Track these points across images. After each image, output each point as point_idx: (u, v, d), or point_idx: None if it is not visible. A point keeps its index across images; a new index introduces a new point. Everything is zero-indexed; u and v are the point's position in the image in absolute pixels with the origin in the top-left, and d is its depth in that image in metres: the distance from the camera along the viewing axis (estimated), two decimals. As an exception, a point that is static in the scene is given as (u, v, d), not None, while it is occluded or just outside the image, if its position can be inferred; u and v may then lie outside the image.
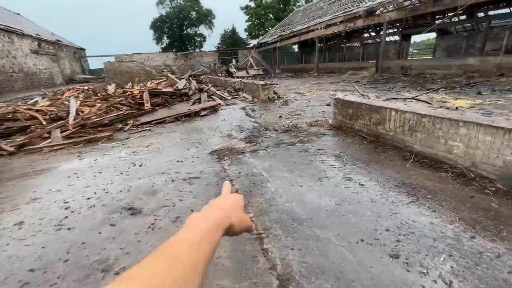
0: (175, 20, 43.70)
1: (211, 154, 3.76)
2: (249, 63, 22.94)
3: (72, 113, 5.13)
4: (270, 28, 36.44)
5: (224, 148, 4.00)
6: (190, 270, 0.33)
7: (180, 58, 24.13)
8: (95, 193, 2.74)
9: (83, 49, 23.44)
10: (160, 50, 42.62)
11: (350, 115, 4.24)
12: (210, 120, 6.17)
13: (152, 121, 5.85)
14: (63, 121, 5.01)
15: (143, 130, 5.42)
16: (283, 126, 5.29)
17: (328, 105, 6.98)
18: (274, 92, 8.61)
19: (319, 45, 25.87)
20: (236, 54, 30.15)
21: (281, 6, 41.54)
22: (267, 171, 3.05)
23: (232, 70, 17.78)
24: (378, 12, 10.91)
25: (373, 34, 23.04)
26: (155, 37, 45.03)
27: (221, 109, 7.46)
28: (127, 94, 6.57)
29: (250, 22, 43.96)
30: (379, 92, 8.23)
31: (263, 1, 42.46)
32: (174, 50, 25.78)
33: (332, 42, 25.15)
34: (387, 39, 23.71)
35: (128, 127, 5.56)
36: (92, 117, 5.31)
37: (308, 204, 2.29)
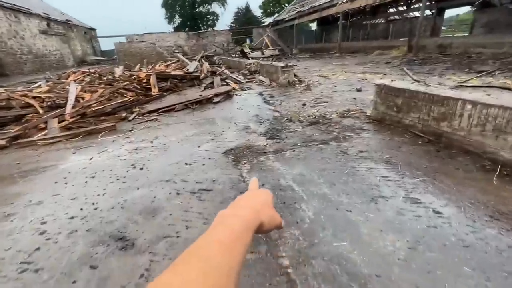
0: (187, -2, 41.83)
1: (226, 155, 3.09)
2: (264, 43, 21.60)
3: (71, 101, 4.56)
4: (286, 5, 34.10)
5: (242, 146, 3.31)
6: (224, 275, 0.30)
7: (192, 38, 23.07)
8: (81, 209, 2.17)
9: (93, 30, 22.80)
10: (172, 30, 41.40)
11: (398, 106, 3.39)
12: (224, 108, 5.45)
13: (160, 109, 5.22)
14: (61, 109, 4.47)
15: (149, 120, 4.80)
16: (309, 116, 4.51)
17: (359, 90, 6.06)
18: (295, 75, 7.69)
19: (342, 21, 23.85)
20: (250, 33, 28.58)
21: (299, -21, 38.52)
22: (299, 183, 2.35)
23: (247, 50, 16.69)
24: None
25: (401, 8, 20.83)
26: (166, 16, 43.60)
27: (236, 95, 6.70)
28: (133, 78, 5.93)
29: (265, -1, 41.36)
30: (418, 76, 7.12)
31: (279, -25, 39.51)
32: (186, 30, 24.66)
33: (354, 18, 23.07)
34: (416, 14, 21.40)
35: (133, 115, 4.96)
36: (93, 105, 4.74)
37: (367, 246, 1.59)
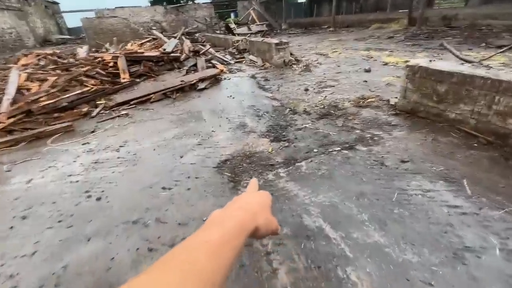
0: (163, -33, 37.91)
1: (219, 170, 2.26)
2: (251, 18, 19.91)
3: (9, 95, 3.48)
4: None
5: (240, 155, 2.47)
6: (207, 281, 0.27)
7: (171, 12, 20.87)
8: (-12, 291, 1.32)
9: (56, 3, 19.98)
10: (149, 5, 37.93)
11: (440, 95, 2.62)
12: (211, 97, 4.50)
13: (131, 100, 4.22)
14: (-4, 106, 3.39)
15: (118, 116, 3.82)
16: (317, 106, 3.70)
17: (368, 71, 5.24)
18: (291, 54, 6.72)
19: (331, -7, 22.18)
20: (235, 7, 26.41)
21: None
22: (334, 223, 1.59)
23: (232, 26, 15.18)
24: None
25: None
26: (141, -12, 39.63)
27: (225, 79, 5.72)
28: (97, 61, 4.78)
29: (249, -32, 38.13)
30: (429, 52, 6.34)
31: None
32: (164, 4, 22.29)
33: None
34: None
35: (97, 110, 3.96)
36: (42, 98, 3.68)
37: None
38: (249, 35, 14.84)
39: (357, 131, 2.77)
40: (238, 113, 3.60)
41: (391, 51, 6.81)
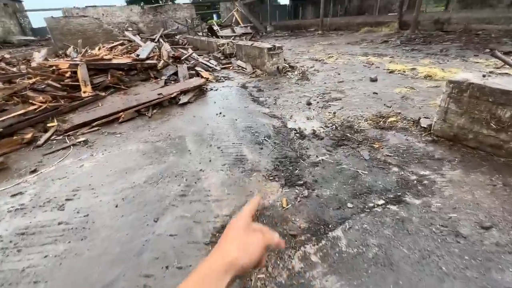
0: (140, -35, 36.22)
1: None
2: (234, 19, 19.16)
3: None
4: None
5: (243, 215, 1.70)
6: None
7: (148, 12, 19.62)
8: None
9: (18, 1, 17.97)
10: (125, 4, 36.09)
11: (502, 122, 2.00)
12: (196, 114, 3.69)
13: (94, 120, 3.31)
14: None
15: (74, 145, 2.91)
16: (328, 126, 3.02)
17: (374, 80, 4.66)
18: (284, 60, 6.04)
19: (314, -4, 21.90)
20: (217, 9, 25.51)
21: None
22: None
23: (215, 28, 14.35)
24: None
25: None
26: (117, -13, 37.67)
27: (211, 89, 4.92)
28: (49, 71, 3.79)
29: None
30: (432, 58, 5.90)
31: None
32: (141, 4, 20.93)
33: (329, -8, 21.36)
34: None
35: (46, 135, 3.03)
36: (-37, 124, 2.69)
37: None
38: (233, 37, 14.07)
39: (394, 169, 2.10)
40: (232, 139, 2.83)
41: (391, 57, 6.33)
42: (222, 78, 5.74)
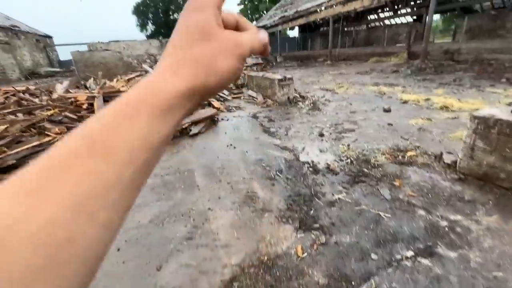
0: (160, 4, 39.76)
1: (222, 310, 1.30)
2: (246, 51, 20.11)
3: None
4: (265, 12, 33.21)
5: (253, 265, 1.55)
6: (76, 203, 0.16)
7: (166, 45, 21.02)
8: None
9: (49, 37, 19.80)
10: (145, 39, 39.02)
11: (539, 162, 1.82)
12: (206, 146, 3.65)
13: (106, 152, 3.27)
14: None
15: (83, 177, 2.88)
16: (342, 160, 2.88)
17: (388, 111, 4.57)
18: (294, 90, 6.10)
19: (324, 28, 23.08)
20: (230, 41, 26.95)
21: (277, -14, 38.03)
22: None
23: (228, 59, 15.01)
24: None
25: (385, 14, 20.45)
26: (138, 23, 41.10)
27: (222, 119, 4.95)
28: (67, 103, 3.94)
29: (242, 6, 40.29)
30: (446, 88, 5.81)
31: (256, -18, 38.76)
32: (159, 37, 22.62)
33: (336, 25, 22.41)
34: (392, 21, 21.11)
35: (58, 167, 2.99)
36: (-21, 156, 2.74)
37: None
38: (245, 67, 14.61)
39: (421, 212, 1.91)
40: (242, 173, 2.72)
41: (403, 87, 6.29)
42: (233, 108, 5.81)
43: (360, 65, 11.70)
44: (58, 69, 17.31)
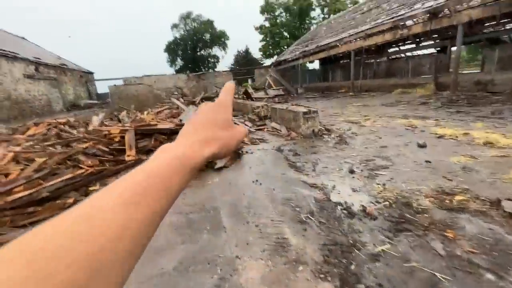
0: (189, 43, 43.52)
1: None
2: (267, 83, 20.86)
3: (-27, 186, 2.69)
4: (285, 47, 34.93)
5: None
6: (108, 238, 0.21)
7: (192, 79, 22.46)
8: None
9: (91, 73, 22.15)
10: (174, 73, 42.20)
11: None
12: (232, 181, 3.57)
13: (133, 185, 3.29)
14: (-49, 202, 2.57)
15: (110, 212, 2.87)
16: (379, 202, 2.63)
17: (423, 146, 4.28)
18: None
19: (344, 60, 23.56)
20: (252, 74, 28.35)
21: (297, 23, 40.33)
22: None
23: (250, 90, 15.56)
24: (447, 11, 8.32)
25: (406, 47, 20.52)
26: (169, 59, 44.91)
27: (246, 152, 4.91)
28: (101, 135, 4.16)
29: (264, 42, 42.87)
30: (485, 122, 5.42)
31: (277, 20, 41.54)
32: (187, 72, 24.39)
33: (357, 57, 22.79)
34: (414, 53, 21.04)
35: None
36: (18, 188, 2.85)
37: None
38: (266, 99, 14.99)
39: (488, 276, 1.60)
40: (271, 214, 2.56)
41: (436, 120, 5.97)
42: (257, 140, 5.80)
43: (384, 96, 11.50)
44: (95, 101, 18.97)
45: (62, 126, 5.87)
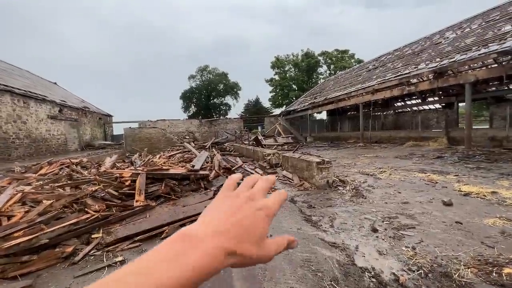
0: (204, 92, 46.61)
1: None
2: (277, 131, 21.37)
3: (-27, 228, 2.54)
4: (294, 98, 36.83)
5: None
6: None
7: (205, 124, 23.35)
8: None
9: (110, 116, 23.51)
10: (187, 118, 44.27)
11: None
12: (243, 235, 3.28)
13: (136, 234, 3.10)
14: None
15: (110, 266, 2.60)
16: (411, 269, 2.30)
17: (449, 204, 3.97)
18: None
19: (352, 112, 24.37)
20: (262, 121, 29.37)
21: (305, 77, 43.24)
22: None
23: (260, 137, 15.85)
24: (450, 72, 8.77)
25: (413, 102, 21.24)
26: (183, 106, 47.56)
27: (258, 202, 4.65)
28: (112, 178, 4.10)
29: (274, 93, 45.52)
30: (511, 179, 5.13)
31: (287, 75, 44.75)
32: (200, 118, 25.60)
33: (365, 110, 23.57)
34: (420, 108, 21.63)
35: (86, 249, 2.83)
36: (18, 233, 2.68)
37: None
38: (276, 146, 15.12)
39: None
40: (289, 280, 2.25)
41: (456, 175, 5.71)
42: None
43: (396, 148, 11.40)
44: (110, 142, 19.63)
45: (74, 167, 5.89)
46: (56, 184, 3.87)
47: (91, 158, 7.67)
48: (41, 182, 4.15)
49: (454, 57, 9.10)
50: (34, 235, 2.71)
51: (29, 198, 3.38)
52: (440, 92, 18.66)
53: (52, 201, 3.23)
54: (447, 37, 13.64)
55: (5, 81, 11.80)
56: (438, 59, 10.47)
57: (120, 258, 2.74)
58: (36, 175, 5.30)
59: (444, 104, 19.38)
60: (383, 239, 3.01)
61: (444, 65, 9.00)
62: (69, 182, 4.14)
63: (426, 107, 21.38)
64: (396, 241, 2.95)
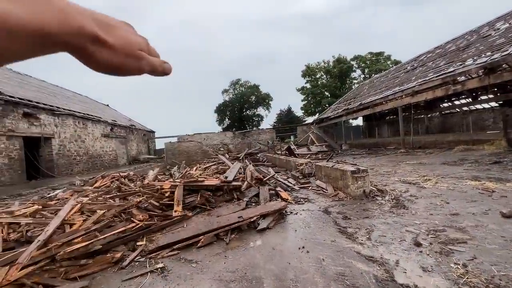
0: (237, 104, 48.13)
1: None
2: (310, 139, 20.97)
3: (44, 235, 2.99)
4: (327, 105, 35.93)
5: None
6: None
7: (238, 136, 24.01)
8: None
9: (153, 132, 25.74)
10: (221, 130, 45.85)
11: None
12: (276, 246, 3.30)
13: (176, 242, 3.32)
14: (24, 249, 2.86)
15: (152, 271, 2.83)
16: (467, 293, 2.06)
17: (508, 217, 3.49)
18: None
19: (391, 117, 22.93)
20: (294, 131, 29.13)
21: (338, 83, 42.08)
22: None
23: (292, 147, 15.71)
24: (505, 66, 7.80)
25: (461, 102, 19.26)
26: (218, 119, 49.58)
27: (290, 212, 4.63)
28: (154, 190, 4.48)
29: (306, 101, 45.02)
30: None
31: (318, 82, 44.07)
32: (233, 130, 26.53)
33: (405, 113, 21.95)
34: (471, 107, 19.37)
35: (133, 255, 3.11)
36: (77, 239, 3.07)
37: None
38: (309, 155, 14.83)
39: None
40: (322, 294, 2.19)
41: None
42: (301, 199, 5.51)
43: (444, 154, 10.34)
44: (153, 156, 21.38)
45: (122, 180, 6.53)
46: (108, 196, 4.36)
47: (137, 171, 8.46)
48: (96, 194, 4.71)
49: (508, 50, 8.10)
50: (90, 241, 3.07)
51: (86, 208, 3.86)
52: (495, 89, 16.61)
53: (104, 211, 3.64)
54: (498, 28, 12.22)
55: (69, 107, 13.84)
56: (488, 53, 9.42)
57: (160, 265, 2.95)
58: (92, 187, 5.99)
59: (502, 102, 17.16)
60: (427, 254, 2.77)
61: (496, 59, 8.04)
62: (118, 193, 4.62)
63: (479, 106, 19.14)
64: (444, 257, 2.69)
